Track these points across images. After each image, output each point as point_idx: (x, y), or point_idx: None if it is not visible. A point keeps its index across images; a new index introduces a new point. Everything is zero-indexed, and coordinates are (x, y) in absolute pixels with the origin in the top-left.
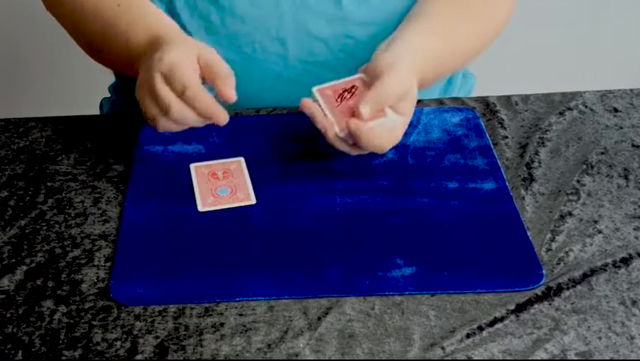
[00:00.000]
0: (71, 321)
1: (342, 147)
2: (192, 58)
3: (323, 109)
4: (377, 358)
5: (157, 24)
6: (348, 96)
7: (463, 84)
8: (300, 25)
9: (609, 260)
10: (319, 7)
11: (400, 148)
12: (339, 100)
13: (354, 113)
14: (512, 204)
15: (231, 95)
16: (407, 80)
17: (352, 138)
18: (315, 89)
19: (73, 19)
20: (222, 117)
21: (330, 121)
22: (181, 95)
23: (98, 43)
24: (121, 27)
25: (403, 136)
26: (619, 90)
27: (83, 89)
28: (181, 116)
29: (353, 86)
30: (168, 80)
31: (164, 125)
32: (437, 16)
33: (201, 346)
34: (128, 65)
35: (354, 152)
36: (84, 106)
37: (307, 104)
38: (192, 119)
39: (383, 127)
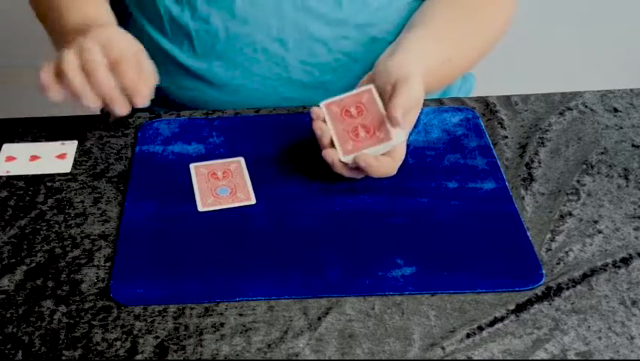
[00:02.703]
0: (71, 321)
1: (349, 173)
2: (133, 44)
3: (329, 128)
4: (377, 358)
5: (96, 13)
6: (355, 112)
7: (463, 84)
8: (300, 26)
9: (609, 260)
10: (320, 8)
11: None
12: (344, 116)
13: (358, 133)
14: (512, 204)
15: (145, 93)
16: (420, 87)
17: (361, 172)
18: (322, 104)
19: None
20: (143, 96)
21: (335, 151)
22: (114, 63)
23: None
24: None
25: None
26: (619, 90)
27: None
28: (103, 81)
29: (359, 101)
30: (105, 49)
31: (77, 85)
32: (439, 23)
33: (201, 346)
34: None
35: (359, 175)
36: (84, 106)
37: (317, 125)
38: (108, 89)
39: (386, 156)
